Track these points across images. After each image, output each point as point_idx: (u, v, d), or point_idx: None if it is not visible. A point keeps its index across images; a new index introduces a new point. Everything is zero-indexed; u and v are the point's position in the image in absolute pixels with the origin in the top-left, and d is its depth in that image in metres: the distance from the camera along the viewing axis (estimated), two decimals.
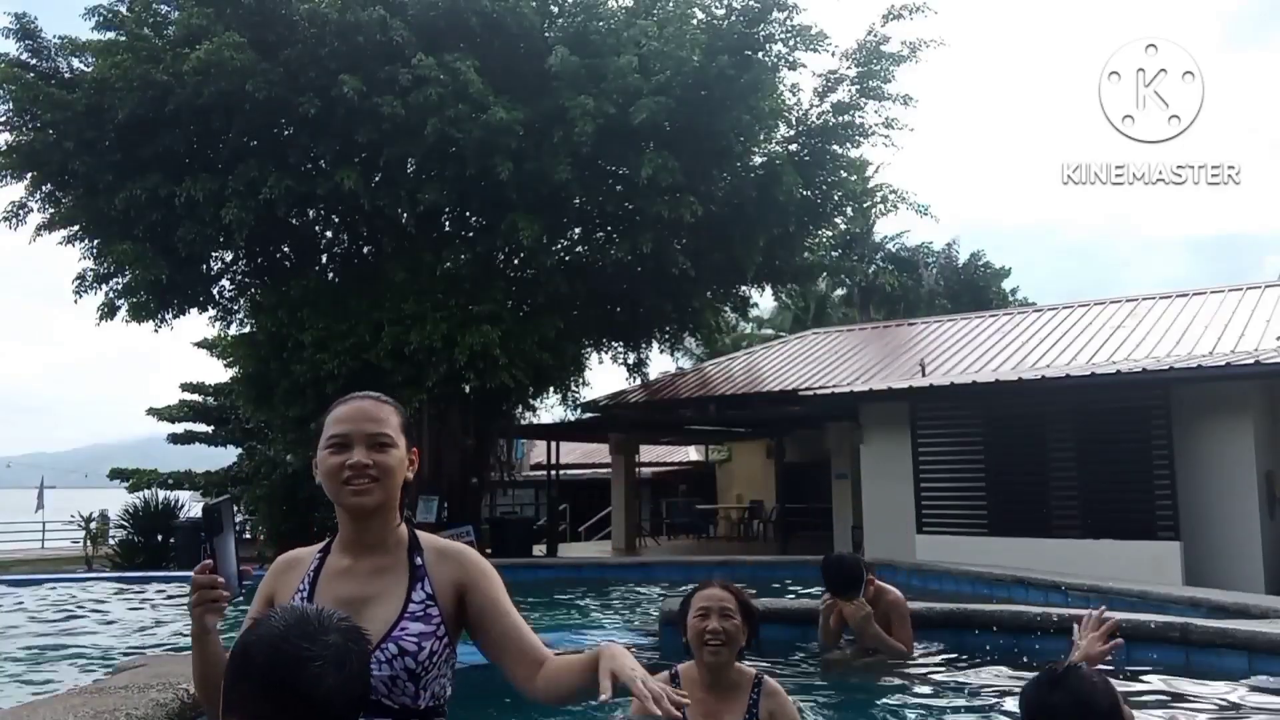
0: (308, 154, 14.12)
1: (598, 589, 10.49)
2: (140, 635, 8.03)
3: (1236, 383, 11.09)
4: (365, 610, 1.80)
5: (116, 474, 22.28)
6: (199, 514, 1.81)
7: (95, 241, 14.89)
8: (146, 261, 13.73)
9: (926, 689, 4.66)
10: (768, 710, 3.17)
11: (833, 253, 20.75)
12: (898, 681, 4.79)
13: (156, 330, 15.72)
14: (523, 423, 18.68)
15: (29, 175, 14.57)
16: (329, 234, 16.70)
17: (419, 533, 1.94)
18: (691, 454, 28.29)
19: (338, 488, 1.82)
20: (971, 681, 4.86)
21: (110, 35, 14.45)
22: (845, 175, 15.94)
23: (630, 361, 18.48)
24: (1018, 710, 2.05)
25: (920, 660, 5.23)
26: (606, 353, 18.29)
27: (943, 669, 5.12)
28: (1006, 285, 37.39)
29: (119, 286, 14.99)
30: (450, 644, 1.84)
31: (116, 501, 20.18)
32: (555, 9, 15.08)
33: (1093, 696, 1.97)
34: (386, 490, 1.84)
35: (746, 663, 3.27)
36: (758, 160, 15.05)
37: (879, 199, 16.91)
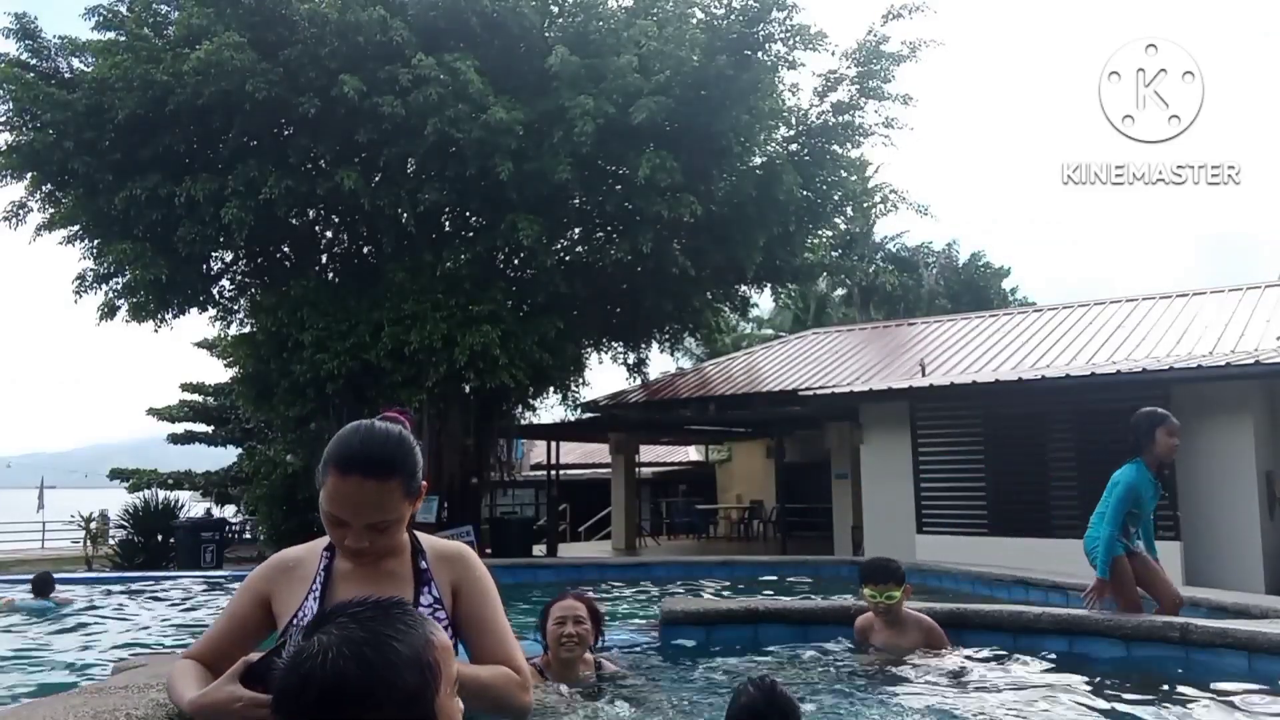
0: (308, 154, 14.12)
1: (597, 589, 10.47)
2: (139, 635, 8.03)
3: (1236, 383, 11.09)
4: None
5: (116, 474, 22.30)
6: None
7: (95, 241, 14.90)
8: (146, 261, 13.73)
9: (925, 689, 4.66)
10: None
11: (833, 253, 20.76)
12: (896, 681, 4.78)
13: (156, 330, 15.75)
14: (523, 423, 18.68)
15: (29, 175, 14.58)
16: (329, 234, 16.70)
17: (420, 535, 1.93)
18: (691, 454, 28.30)
19: (339, 547, 1.85)
20: (971, 681, 4.85)
21: (110, 35, 14.46)
22: (845, 175, 15.95)
23: (630, 361, 18.51)
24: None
25: (919, 660, 5.22)
26: (606, 353, 18.30)
27: (941, 669, 5.12)
28: (1006, 285, 37.43)
29: (119, 286, 15.00)
30: (457, 645, 1.84)
31: (116, 501, 20.16)
32: (555, 9, 15.09)
33: (793, 707, 2.33)
34: (383, 553, 1.85)
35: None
36: (757, 160, 15.06)
37: (879, 199, 16.92)
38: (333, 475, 1.76)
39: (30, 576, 9.52)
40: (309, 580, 1.86)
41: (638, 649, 5.58)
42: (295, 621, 1.82)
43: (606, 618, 4.53)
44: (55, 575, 9.71)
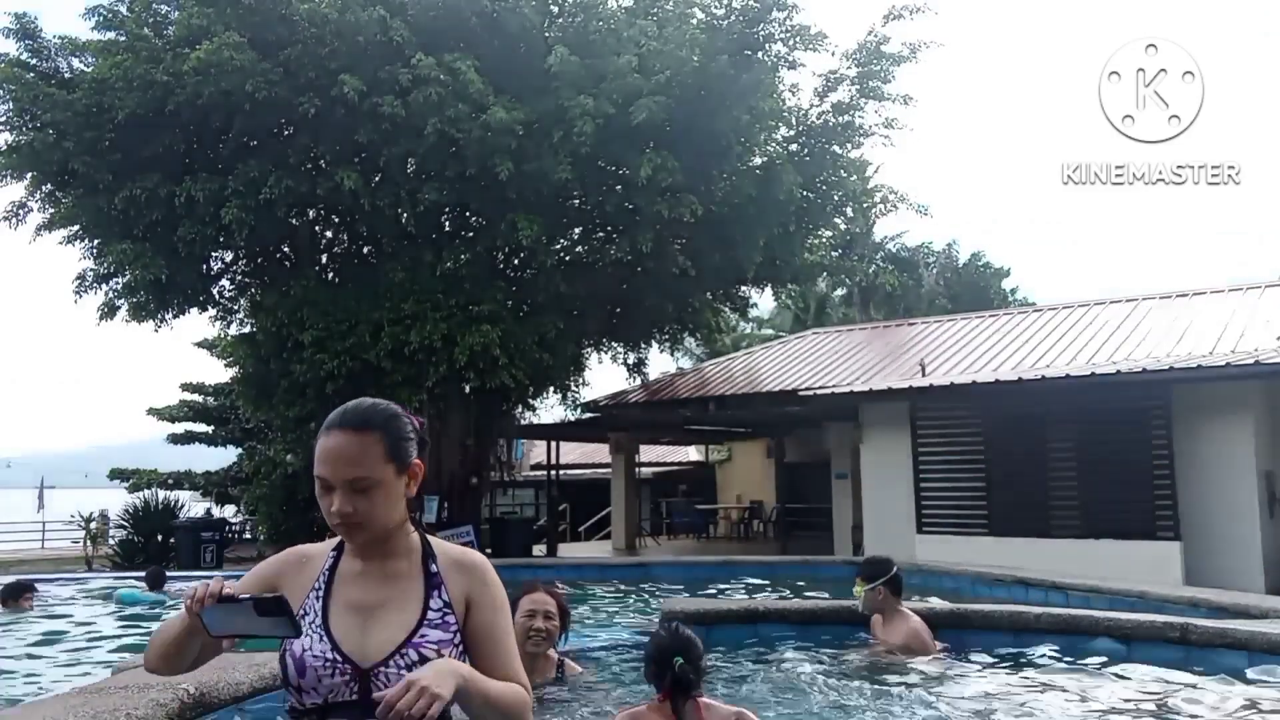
0: (308, 154, 14.12)
1: (597, 589, 10.48)
2: (138, 636, 8.03)
3: (1236, 383, 11.09)
4: (381, 615, 1.81)
5: (116, 474, 22.28)
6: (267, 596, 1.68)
7: (95, 241, 14.90)
8: (146, 261, 13.72)
9: (924, 689, 4.66)
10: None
11: (833, 253, 20.74)
12: (896, 680, 4.79)
13: (156, 330, 15.75)
14: (523, 423, 18.68)
15: (29, 175, 14.57)
16: (329, 234, 16.69)
17: (431, 539, 1.93)
18: (691, 454, 28.30)
19: (330, 524, 1.84)
20: (970, 681, 4.86)
21: (110, 35, 14.45)
22: (845, 175, 15.94)
23: (630, 361, 18.50)
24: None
25: (919, 660, 5.23)
26: (606, 353, 18.30)
27: (941, 669, 5.12)
28: (1006, 285, 37.44)
29: (119, 286, 14.99)
30: (465, 651, 1.84)
31: (116, 501, 20.17)
32: (555, 9, 15.08)
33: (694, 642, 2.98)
34: (373, 529, 1.83)
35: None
36: (757, 160, 15.04)
37: (879, 199, 16.91)
38: (321, 437, 1.82)
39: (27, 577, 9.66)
40: (314, 578, 1.88)
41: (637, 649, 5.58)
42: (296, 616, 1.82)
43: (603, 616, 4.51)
44: (54, 576, 9.81)
